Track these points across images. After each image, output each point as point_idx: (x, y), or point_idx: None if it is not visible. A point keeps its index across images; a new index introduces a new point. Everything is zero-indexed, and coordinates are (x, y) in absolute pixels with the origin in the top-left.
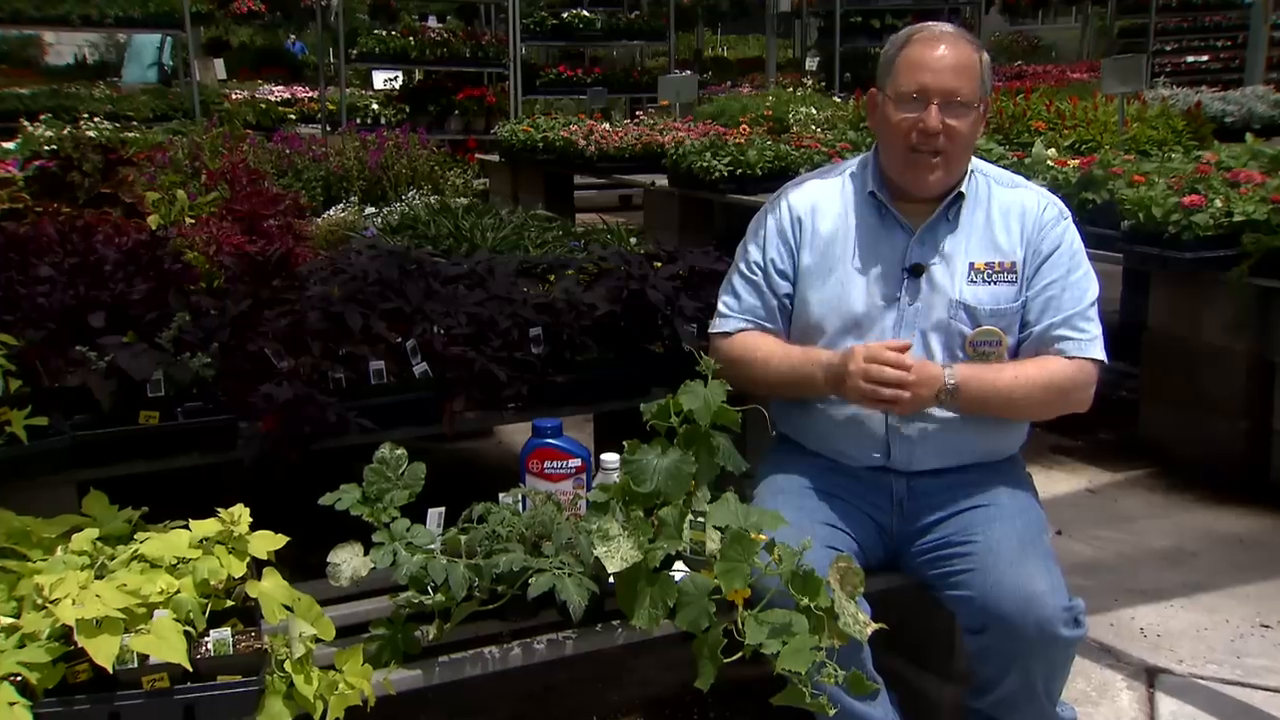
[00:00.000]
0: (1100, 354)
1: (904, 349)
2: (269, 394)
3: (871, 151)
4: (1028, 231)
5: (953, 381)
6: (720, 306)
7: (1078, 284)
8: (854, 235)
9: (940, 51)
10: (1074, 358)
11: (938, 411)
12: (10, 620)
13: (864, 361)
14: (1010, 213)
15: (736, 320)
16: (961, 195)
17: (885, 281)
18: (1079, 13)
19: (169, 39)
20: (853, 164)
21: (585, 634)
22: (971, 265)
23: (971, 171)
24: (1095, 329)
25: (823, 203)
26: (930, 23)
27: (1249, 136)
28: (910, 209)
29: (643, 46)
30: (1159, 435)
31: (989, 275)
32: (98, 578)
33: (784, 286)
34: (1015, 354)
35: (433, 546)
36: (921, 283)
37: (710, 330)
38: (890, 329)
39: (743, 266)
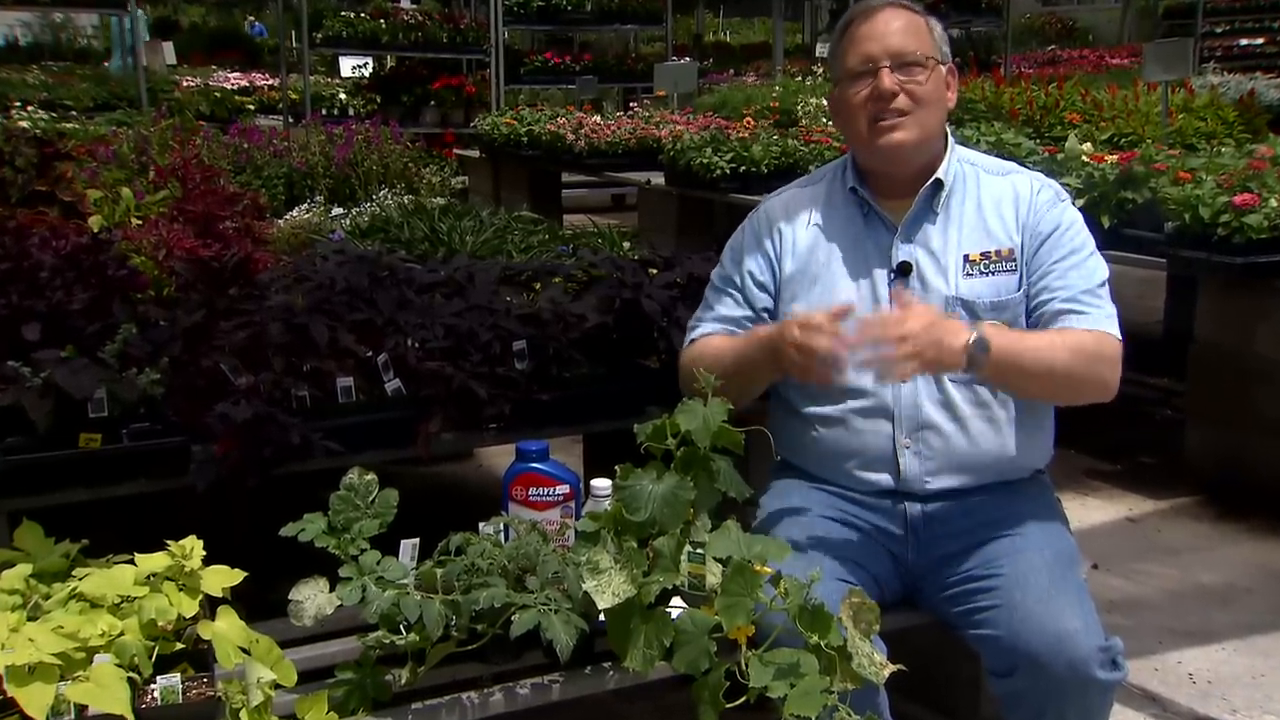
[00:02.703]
0: (1117, 332)
1: (845, 313)
2: (225, 414)
3: (850, 153)
4: (1023, 216)
5: (976, 333)
6: (691, 321)
7: (1084, 263)
8: (836, 239)
9: (881, 19)
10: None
11: (948, 422)
12: None
13: (797, 330)
14: (1003, 199)
15: (706, 326)
16: (940, 182)
17: (873, 284)
18: None
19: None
20: (833, 167)
21: (573, 677)
22: (966, 257)
23: (956, 160)
24: (1109, 307)
25: (803, 209)
26: (866, 1)
27: None
28: (893, 205)
29: (637, 31)
30: (1206, 459)
31: (986, 266)
32: (30, 619)
33: (762, 299)
34: None
35: (405, 581)
36: (912, 282)
37: (682, 349)
38: None
39: (718, 282)
